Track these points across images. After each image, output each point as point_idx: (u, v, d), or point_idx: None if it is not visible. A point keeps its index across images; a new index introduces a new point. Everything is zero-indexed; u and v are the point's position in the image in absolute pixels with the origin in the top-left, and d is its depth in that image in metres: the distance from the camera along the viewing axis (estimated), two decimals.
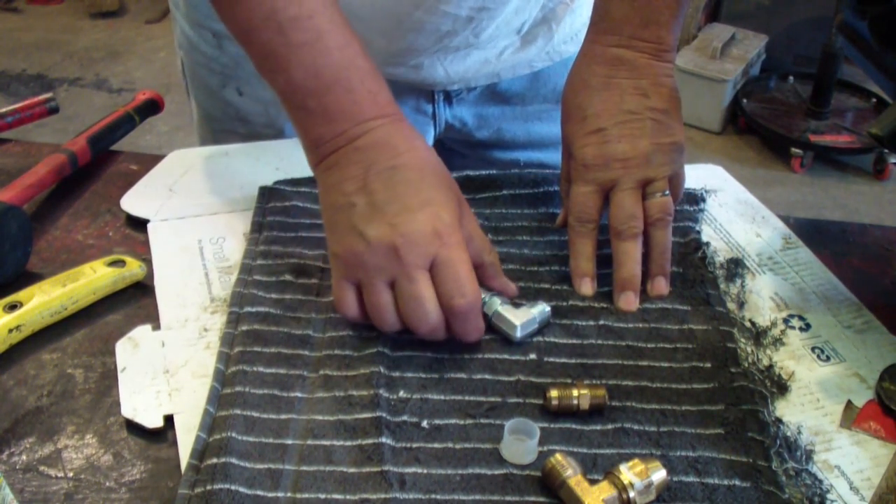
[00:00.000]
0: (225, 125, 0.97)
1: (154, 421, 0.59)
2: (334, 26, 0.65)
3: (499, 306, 0.65)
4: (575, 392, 0.59)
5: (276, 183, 0.80)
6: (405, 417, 0.59)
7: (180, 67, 1.00)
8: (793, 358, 0.66)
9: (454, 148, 1.05)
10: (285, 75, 0.65)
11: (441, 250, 0.60)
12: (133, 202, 0.80)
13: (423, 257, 0.60)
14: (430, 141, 1.00)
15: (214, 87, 0.95)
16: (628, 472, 0.53)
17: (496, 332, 0.66)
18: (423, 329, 0.62)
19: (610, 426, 0.59)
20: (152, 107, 0.98)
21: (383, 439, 0.56)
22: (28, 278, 0.71)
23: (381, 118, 0.65)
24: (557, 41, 0.92)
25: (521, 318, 0.65)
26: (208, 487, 0.52)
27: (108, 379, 0.63)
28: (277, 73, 0.65)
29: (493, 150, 1.02)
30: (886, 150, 2.59)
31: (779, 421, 0.60)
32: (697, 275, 0.72)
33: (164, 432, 0.59)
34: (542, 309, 0.66)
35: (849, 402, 0.62)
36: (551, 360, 0.64)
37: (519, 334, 0.65)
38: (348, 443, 0.57)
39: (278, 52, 0.64)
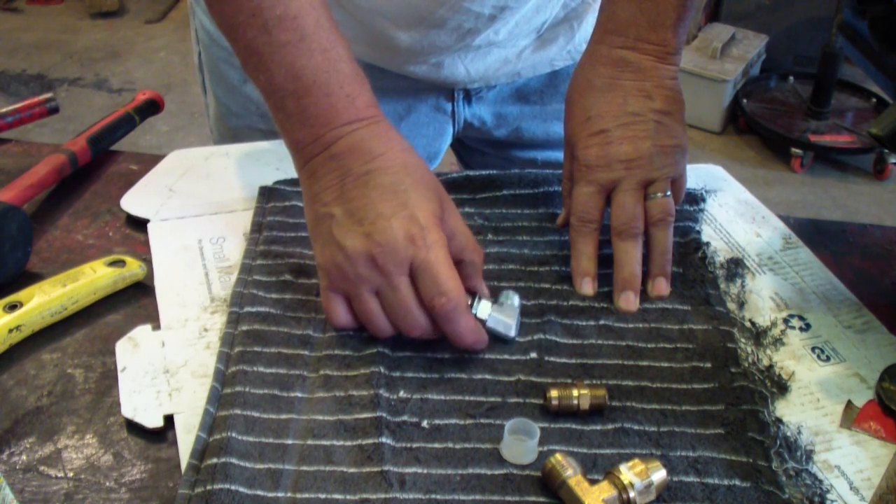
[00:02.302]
0: (245, 121, 0.97)
1: (154, 421, 0.59)
2: (319, 28, 0.64)
3: (489, 313, 0.64)
4: (575, 392, 0.59)
5: (276, 183, 0.80)
6: (405, 417, 0.59)
7: (197, 63, 1.00)
8: (793, 358, 0.66)
9: (473, 146, 1.05)
10: (267, 74, 0.65)
11: (418, 253, 0.60)
12: (133, 202, 0.80)
13: (401, 264, 0.60)
14: (449, 139, 1.00)
15: (235, 82, 0.95)
16: (628, 472, 0.53)
17: (489, 333, 0.65)
18: (416, 333, 0.62)
19: (610, 426, 0.59)
20: (152, 107, 0.98)
21: (383, 439, 0.56)
22: (28, 278, 0.71)
23: (356, 122, 0.64)
24: (579, 40, 0.92)
25: (511, 316, 0.65)
26: (208, 487, 0.52)
27: (108, 379, 0.63)
28: (260, 73, 0.65)
29: (511, 149, 1.02)
30: (886, 150, 2.59)
31: (779, 421, 0.60)
32: (697, 275, 0.72)
33: (164, 432, 0.59)
34: (515, 301, 0.66)
35: (849, 402, 0.62)
36: (551, 360, 0.64)
37: (514, 333, 0.65)
38: (348, 443, 0.57)
39: (261, 51, 0.64)
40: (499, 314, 0.65)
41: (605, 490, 0.52)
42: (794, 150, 2.70)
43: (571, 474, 0.53)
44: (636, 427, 0.59)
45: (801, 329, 0.69)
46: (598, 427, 0.59)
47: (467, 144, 1.06)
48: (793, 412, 0.61)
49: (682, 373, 0.63)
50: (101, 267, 0.70)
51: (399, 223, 0.60)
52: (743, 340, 0.67)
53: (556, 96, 0.98)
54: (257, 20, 0.63)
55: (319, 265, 0.64)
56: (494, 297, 0.66)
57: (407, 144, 0.66)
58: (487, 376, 0.62)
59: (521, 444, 0.56)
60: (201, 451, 0.55)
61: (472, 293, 0.65)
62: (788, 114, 2.82)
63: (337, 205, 0.63)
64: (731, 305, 0.70)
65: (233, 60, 0.93)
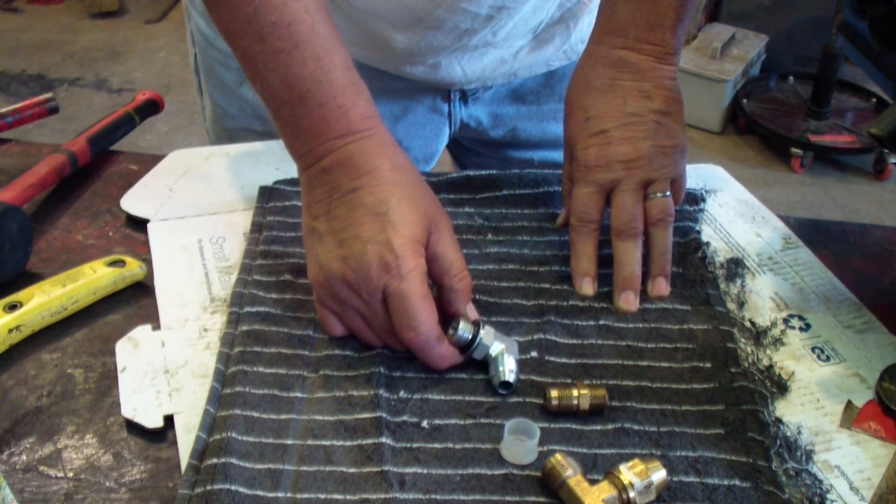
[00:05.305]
0: (241, 123, 0.97)
1: (154, 421, 0.59)
2: (314, 36, 0.63)
3: (490, 351, 0.62)
4: (575, 392, 0.59)
5: (276, 183, 0.80)
6: (405, 417, 0.59)
7: (192, 64, 1.00)
8: (793, 358, 0.66)
9: (470, 147, 1.05)
10: (263, 83, 0.64)
11: (390, 282, 0.60)
12: (133, 202, 0.80)
13: (375, 291, 0.60)
14: (446, 140, 1.00)
15: (231, 84, 0.94)
16: (628, 472, 0.53)
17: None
18: (401, 349, 0.63)
19: (610, 426, 0.59)
20: (152, 107, 0.98)
21: (383, 439, 0.56)
22: (28, 278, 0.71)
23: (348, 136, 0.63)
24: (574, 40, 0.92)
25: (510, 367, 0.61)
26: (208, 487, 0.52)
27: (108, 379, 0.63)
28: (256, 80, 0.65)
29: (507, 149, 1.02)
30: (886, 150, 2.59)
31: (779, 421, 0.60)
32: (697, 275, 0.72)
33: (164, 432, 0.59)
34: (514, 355, 0.62)
35: (849, 402, 0.62)
36: (551, 359, 0.64)
37: (502, 389, 0.61)
38: (348, 443, 0.57)
39: (256, 59, 0.64)
40: (501, 363, 0.61)
41: (605, 490, 0.52)
42: (794, 150, 2.70)
43: (571, 474, 0.53)
44: (636, 427, 0.59)
45: (801, 329, 0.69)
46: (598, 427, 0.59)
47: (463, 145, 1.06)
48: (793, 412, 0.61)
49: (682, 373, 0.63)
50: (101, 267, 0.70)
51: (374, 249, 0.60)
52: (743, 340, 0.67)
53: (552, 96, 0.98)
54: (252, 27, 0.63)
55: (310, 279, 0.64)
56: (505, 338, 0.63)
57: (400, 160, 0.64)
58: (487, 376, 0.62)
59: (521, 444, 0.56)
60: (201, 451, 0.55)
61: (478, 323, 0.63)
62: (788, 114, 2.82)
63: (324, 220, 0.63)
64: (731, 305, 0.70)
65: (228, 62, 0.93)
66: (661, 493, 0.54)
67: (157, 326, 0.67)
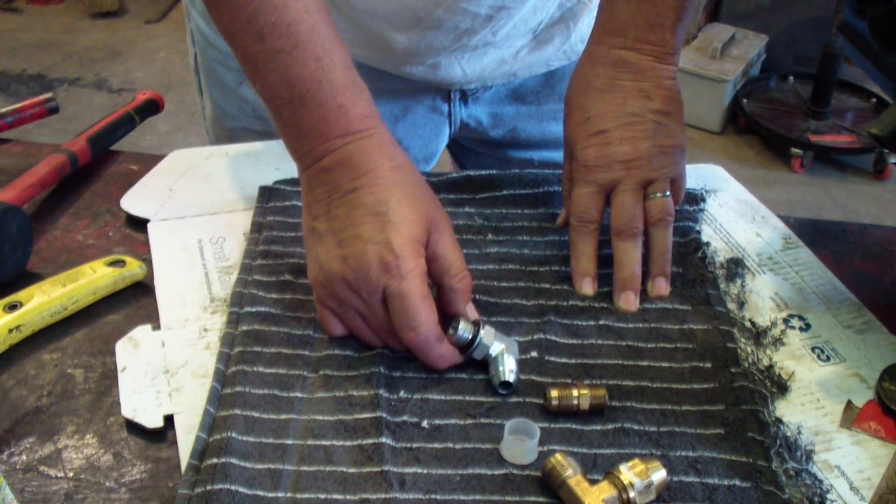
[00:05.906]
0: (241, 123, 0.97)
1: (154, 421, 0.59)
2: (314, 35, 0.63)
3: (490, 351, 0.62)
4: (575, 392, 0.59)
5: (276, 183, 0.80)
6: (405, 417, 0.59)
7: (192, 64, 1.00)
8: (793, 358, 0.66)
9: (469, 147, 1.05)
10: (263, 82, 0.64)
11: (390, 282, 0.60)
12: (133, 202, 0.80)
13: (375, 292, 0.60)
14: (446, 140, 1.00)
15: (231, 84, 0.94)
16: (628, 472, 0.53)
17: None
18: (400, 349, 0.63)
19: (610, 426, 0.59)
20: (152, 107, 0.98)
21: (383, 439, 0.56)
22: (28, 278, 0.71)
23: (348, 136, 0.63)
24: (574, 40, 0.92)
25: (510, 367, 0.61)
26: (208, 487, 0.52)
27: (108, 379, 0.63)
28: (256, 80, 0.65)
29: (507, 149, 1.02)
30: (886, 150, 2.59)
31: (779, 421, 0.60)
32: (697, 275, 0.72)
33: (164, 432, 0.59)
34: (514, 355, 0.62)
35: (849, 402, 0.62)
36: (551, 359, 0.64)
37: (502, 389, 0.61)
38: (348, 443, 0.57)
39: (256, 59, 0.64)
40: (501, 363, 0.61)
41: (605, 490, 0.52)
42: (794, 150, 2.70)
43: (571, 474, 0.53)
44: (636, 427, 0.59)
45: (801, 329, 0.69)
46: (598, 427, 0.59)
47: (463, 145, 1.06)
48: (793, 412, 0.61)
49: (682, 373, 0.63)
50: (101, 267, 0.70)
51: (374, 249, 0.60)
52: (743, 340, 0.67)
53: (552, 96, 0.98)
54: (252, 27, 0.62)
55: (310, 279, 0.64)
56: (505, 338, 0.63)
57: (400, 160, 0.64)
58: (487, 376, 0.62)
59: (521, 444, 0.56)
60: (201, 451, 0.55)
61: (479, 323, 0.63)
62: (788, 114, 2.82)
63: (324, 220, 0.63)
64: (731, 305, 0.70)
65: (228, 63, 0.93)
66: (661, 493, 0.54)
67: (157, 326, 0.67)
